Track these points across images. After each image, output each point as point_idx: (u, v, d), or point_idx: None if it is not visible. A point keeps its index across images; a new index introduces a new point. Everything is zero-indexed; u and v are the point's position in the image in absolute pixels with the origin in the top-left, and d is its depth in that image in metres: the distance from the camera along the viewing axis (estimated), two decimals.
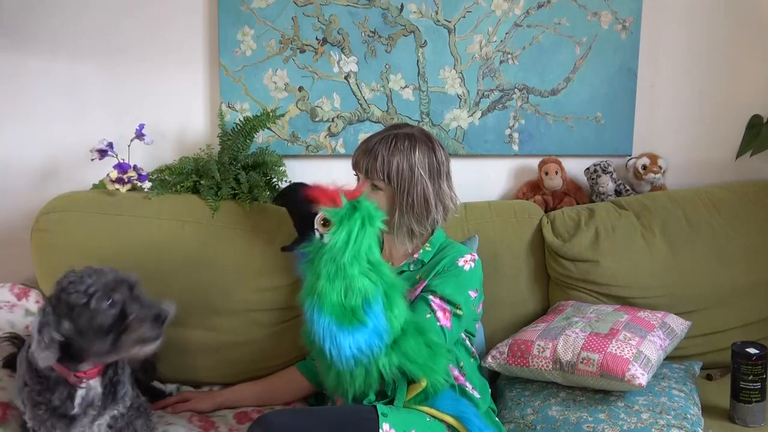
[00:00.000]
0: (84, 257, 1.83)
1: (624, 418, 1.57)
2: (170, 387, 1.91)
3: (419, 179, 1.56)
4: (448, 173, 1.62)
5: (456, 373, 1.57)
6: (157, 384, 1.87)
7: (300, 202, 1.39)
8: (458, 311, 1.52)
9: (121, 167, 1.96)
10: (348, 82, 2.17)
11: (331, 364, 1.36)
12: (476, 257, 1.61)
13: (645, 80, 2.23)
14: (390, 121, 2.17)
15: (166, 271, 1.88)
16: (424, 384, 1.42)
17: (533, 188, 2.22)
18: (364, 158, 1.56)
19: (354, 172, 1.62)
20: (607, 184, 2.16)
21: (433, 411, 1.47)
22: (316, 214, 1.36)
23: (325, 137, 2.19)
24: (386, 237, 1.67)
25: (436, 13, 2.15)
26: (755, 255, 1.99)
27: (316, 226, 1.35)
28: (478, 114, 2.21)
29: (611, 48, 2.19)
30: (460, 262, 1.58)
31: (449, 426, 1.47)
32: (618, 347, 1.63)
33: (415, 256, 1.63)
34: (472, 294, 1.58)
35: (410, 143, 1.57)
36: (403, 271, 1.62)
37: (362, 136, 2.14)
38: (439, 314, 1.50)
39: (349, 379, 1.37)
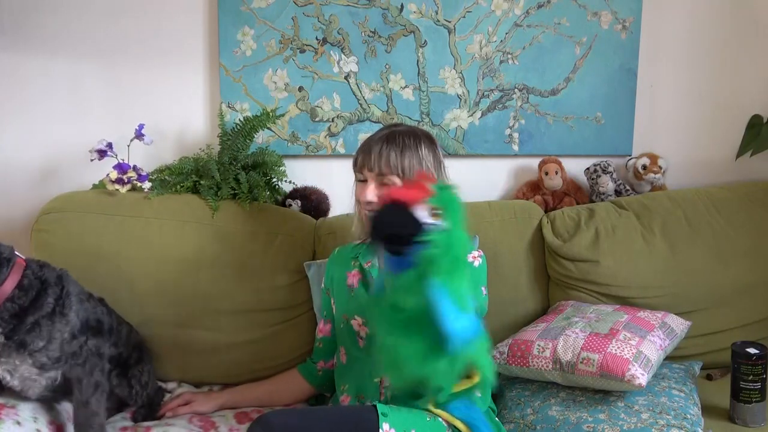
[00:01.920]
0: (84, 257, 1.85)
1: (624, 418, 1.57)
2: (170, 385, 1.91)
3: (427, 172, 1.58)
4: (446, 169, 1.63)
5: None
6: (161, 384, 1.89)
7: (392, 218, 1.33)
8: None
9: (121, 167, 1.96)
10: (348, 82, 2.17)
11: (444, 348, 1.28)
12: (482, 253, 1.62)
13: (645, 80, 2.23)
14: (390, 121, 2.17)
15: (166, 271, 1.88)
16: (476, 380, 1.41)
17: (533, 188, 2.22)
18: (376, 157, 1.55)
19: (360, 175, 1.59)
20: (607, 184, 2.16)
21: (445, 414, 1.46)
22: (413, 214, 1.30)
23: (325, 137, 2.19)
24: None
25: (436, 13, 2.15)
26: (755, 255, 1.99)
27: (427, 221, 1.31)
28: (478, 114, 2.21)
29: (611, 48, 2.19)
30: (469, 258, 1.58)
31: (450, 426, 1.47)
32: (618, 347, 1.63)
33: None
34: (483, 290, 1.59)
35: (415, 139, 1.58)
36: None
37: (362, 136, 2.14)
38: None
39: (435, 372, 1.29)
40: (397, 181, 1.54)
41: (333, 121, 2.18)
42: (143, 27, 2.11)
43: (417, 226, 1.27)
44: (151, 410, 1.78)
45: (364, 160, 1.57)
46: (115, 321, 1.73)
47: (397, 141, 1.56)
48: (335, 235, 1.97)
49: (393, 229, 1.27)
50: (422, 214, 1.29)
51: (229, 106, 2.15)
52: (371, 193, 1.54)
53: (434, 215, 1.30)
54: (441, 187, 1.33)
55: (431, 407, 1.46)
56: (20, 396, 1.60)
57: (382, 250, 1.30)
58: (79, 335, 1.56)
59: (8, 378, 1.54)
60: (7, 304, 1.46)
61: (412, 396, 1.48)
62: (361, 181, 1.59)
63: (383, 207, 1.29)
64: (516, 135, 2.23)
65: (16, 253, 1.52)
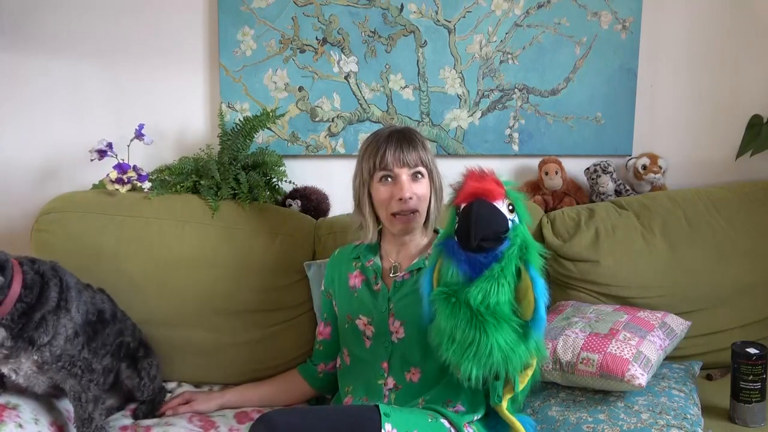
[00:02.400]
0: (84, 257, 1.84)
1: (624, 419, 1.57)
2: (170, 385, 1.91)
3: (436, 164, 1.62)
4: None
5: None
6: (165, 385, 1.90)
7: (488, 217, 1.31)
8: None
9: (121, 167, 1.96)
10: (348, 82, 2.17)
11: (538, 322, 1.33)
12: None
13: (645, 80, 2.23)
14: (390, 121, 2.17)
15: (166, 271, 1.88)
16: (530, 372, 1.41)
17: (533, 188, 2.22)
18: (408, 153, 1.56)
19: (385, 172, 1.57)
20: (607, 184, 2.16)
21: (512, 418, 1.44)
22: (501, 210, 1.32)
23: (325, 137, 2.19)
24: (392, 240, 1.66)
25: (436, 13, 2.15)
26: (755, 255, 1.99)
27: (507, 216, 1.32)
28: (478, 114, 2.21)
29: (611, 48, 2.19)
30: None
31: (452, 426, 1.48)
32: (618, 347, 1.63)
33: (429, 251, 1.62)
34: None
35: (418, 135, 1.62)
36: (419, 269, 1.60)
37: (362, 136, 2.14)
38: None
39: (516, 353, 1.33)
40: (426, 173, 1.58)
41: (333, 121, 2.18)
42: (143, 27, 2.11)
43: (505, 222, 1.30)
44: (153, 408, 1.78)
45: (395, 158, 1.56)
46: (118, 309, 1.75)
47: (416, 136, 1.60)
48: (335, 235, 1.97)
49: (492, 227, 1.28)
50: (504, 209, 1.31)
51: (229, 106, 2.15)
52: (409, 189, 1.55)
53: (510, 211, 1.32)
54: (506, 183, 1.36)
55: (505, 412, 1.44)
56: (23, 394, 1.61)
57: (463, 251, 1.29)
58: (81, 333, 1.57)
59: (14, 376, 1.55)
60: (17, 305, 1.47)
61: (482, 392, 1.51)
62: (384, 181, 1.58)
63: (474, 206, 1.28)
64: (516, 135, 2.23)
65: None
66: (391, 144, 1.57)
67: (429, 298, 1.38)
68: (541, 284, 1.30)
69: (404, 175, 1.56)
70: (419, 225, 1.61)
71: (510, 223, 1.31)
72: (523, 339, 1.32)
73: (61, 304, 1.53)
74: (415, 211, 1.57)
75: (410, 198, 1.55)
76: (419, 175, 1.58)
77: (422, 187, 1.58)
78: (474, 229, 1.26)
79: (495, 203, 1.30)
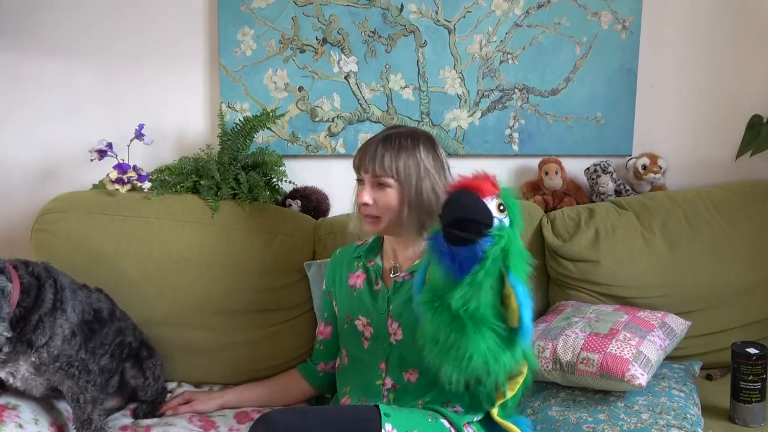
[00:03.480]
0: (84, 257, 1.85)
1: (624, 419, 1.57)
2: (170, 385, 1.91)
3: (426, 173, 1.55)
4: (449, 169, 1.62)
5: None
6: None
7: (466, 203, 1.31)
8: None
9: (121, 167, 1.96)
10: (348, 82, 2.17)
11: (523, 330, 1.32)
12: None
13: (645, 80, 2.22)
14: (390, 121, 2.17)
15: (166, 271, 1.88)
16: (520, 379, 1.41)
17: (533, 188, 2.22)
18: (371, 158, 1.54)
19: (358, 175, 1.58)
20: (607, 184, 2.16)
21: (509, 425, 1.45)
22: (485, 204, 1.31)
23: (325, 137, 2.19)
24: (391, 241, 1.66)
25: (436, 13, 2.15)
26: (755, 255, 1.99)
27: (495, 214, 1.31)
28: (478, 114, 2.21)
29: (611, 48, 2.19)
30: None
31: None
32: (618, 347, 1.63)
33: None
34: None
35: (413, 140, 1.56)
36: (414, 271, 1.61)
37: (362, 136, 2.14)
38: None
39: (500, 361, 1.32)
40: (393, 182, 1.53)
41: (333, 121, 2.18)
42: (143, 27, 2.11)
43: (488, 216, 1.29)
44: (153, 408, 1.79)
45: (360, 162, 1.56)
46: (118, 309, 1.75)
47: (393, 142, 1.54)
48: (335, 235, 1.97)
49: (466, 213, 1.27)
50: (492, 206, 1.31)
51: (229, 106, 2.15)
52: (367, 195, 1.53)
53: (500, 211, 1.32)
54: (504, 189, 1.36)
55: (496, 417, 1.44)
56: (23, 395, 1.61)
57: (445, 243, 1.28)
58: (78, 333, 1.57)
59: (11, 380, 1.55)
60: (15, 310, 1.47)
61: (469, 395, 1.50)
62: (359, 182, 1.59)
63: (456, 192, 1.29)
64: (516, 135, 2.23)
65: None
66: (369, 147, 1.55)
67: (417, 298, 1.38)
68: (522, 291, 1.29)
69: (366, 180, 1.55)
70: (390, 230, 1.58)
71: (496, 221, 1.31)
72: (509, 346, 1.30)
73: (56, 305, 1.53)
74: (376, 217, 1.55)
75: (366, 204, 1.54)
76: (382, 185, 1.53)
77: (386, 197, 1.53)
78: (448, 209, 1.27)
79: (484, 199, 1.30)
